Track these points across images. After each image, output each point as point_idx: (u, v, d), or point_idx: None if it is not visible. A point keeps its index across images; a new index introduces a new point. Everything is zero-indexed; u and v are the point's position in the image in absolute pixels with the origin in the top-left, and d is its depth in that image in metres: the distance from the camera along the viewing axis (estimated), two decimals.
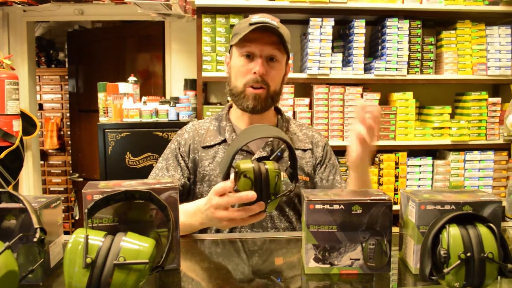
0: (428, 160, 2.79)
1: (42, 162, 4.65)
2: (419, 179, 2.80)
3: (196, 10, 2.64)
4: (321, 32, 2.65)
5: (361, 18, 2.68)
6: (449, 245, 0.75)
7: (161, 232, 0.86)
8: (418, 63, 2.74)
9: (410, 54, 2.71)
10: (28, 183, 3.58)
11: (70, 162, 4.63)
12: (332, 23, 2.65)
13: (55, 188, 4.92)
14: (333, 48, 2.74)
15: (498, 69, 2.73)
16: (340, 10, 2.64)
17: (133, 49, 3.70)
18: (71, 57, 4.25)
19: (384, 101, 2.88)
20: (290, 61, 2.64)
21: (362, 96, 2.70)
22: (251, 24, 1.26)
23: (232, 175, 0.90)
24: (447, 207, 0.85)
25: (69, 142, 4.69)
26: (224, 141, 1.39)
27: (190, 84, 2.91)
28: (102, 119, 2.66)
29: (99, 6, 3.25)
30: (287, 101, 2.69)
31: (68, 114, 4.70)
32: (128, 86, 2.71)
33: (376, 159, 2.82)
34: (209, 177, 1.36)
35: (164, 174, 1.38)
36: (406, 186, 2.78)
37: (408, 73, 2.72)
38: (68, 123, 4.68)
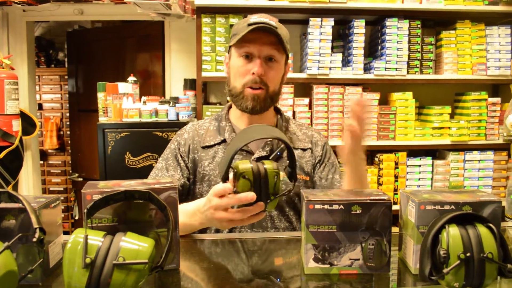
0: (428, 160, 2.79)
1: (41, 162, 4.65)
2: (419, 179, 2.80)
3: (196, 10, 2.64)
4: (320, 32, 2.65)
5: (361, 18, 2.68)
6: (448, 245, 0.75)
7: (160, 232, 0.86)
8: (418, 63, 2.74)
9: (410, 54, 2.72)
10: (28, 183, 3.58)
11: (70, 162, 4.63)
12: (332, 23, 2.65)
13: (55, 188, 4.92)
14: (332, 48, 2.74)
15: (497, 69, 2.73)
16: (339, 10, 2.64)
17: (133, 49, 3.70)
18: (70, 57, 4.25)
19: (384, 101, 2.88)
20: (290, 61, 2.65)
21: (361, 96, 2.70)
22: (249, 25, 1.26)
23: (231, 175, 0.90)
24: (446, 207, 0.85)
25: (69, 142, 4.68)
26: (224, 141, 1.39)
27: (190, 84, 2.91)
28: (102, 119, 2.66)
29: (98, 6, 3.25)
30: (287, 101, 2.69)
31: (67, 114, 4.70)
32: (128, 86, 2.71)
33: (376, 159, 2.82)
34: (208, 177, 1.36)
35: (164, 174, 1.38)
36: (406, 186, 2.78)
37: (407, 73, 2.72)
38: (68, 123, 4.68)
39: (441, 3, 2.64)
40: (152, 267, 0.74)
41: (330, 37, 2.66)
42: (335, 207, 0.88)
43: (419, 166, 2.79)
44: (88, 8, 3.36)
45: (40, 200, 0.86)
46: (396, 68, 2.69)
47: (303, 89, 2.86)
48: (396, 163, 2.76)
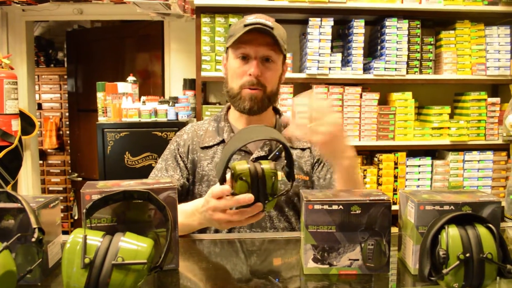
0: (427, 160, 2.80)
1: (41, 162, 4.65)
2: (418, 179, 2.80)
3: (195, 10, 2.64)
4: (320, 32, 2.65)
5: (360, 18, 2.68)
6: (448, 246, 0.75)
7: (159, 232, 0.86)
8: (417, 63, 2.74)
9: (409, 54, 2.71)
10: (27, 183, 3.57)
11: (69, 161, 4.63)
12: (331, 23, 2.65)
13: (54, 188, 4.92)
14: (332, 48, 2.74)
15: (497, 69, 2.73)
16: (339, 10, 2.64)
17: (132, 48, 3.70)
18: (70, 56, 4.24)
19: (383, 101, 2.88)
20: (289, 61, 2.68)
21: (361, 96, 2.70)
22: (245, 26, 1.26)
23: (228, 176, 0.89)
24: (446, 207, 0.85)
25: (68, 141, 4.68)
26: (223, 141, 1.39)
27: (189, 84, 2.91)
28: (101, 119, 2.65)
29: (98, 6, 3.25)
30: (286, 101, 2.69)
31: (67, 114, 4.70)
32: (127, 86, 2.71)
33: (375, 159, 2.82)
34: (207, 177, 1.36)
35: (164, 175, 1.38)
36: (405, 186, 2.78)
37: (407, 73, 2.72)
38: (67, 123, 4.67)
39: (441, 3, 2.64)
40: (151, 267, 0.74)
41: (330, 37, 2.66)
42: (335, 207, 0.87)
43: (419, 166, 2.79)
44: (88, 8, 3.36)
45: (39, 200, 0.86)
46: (395, 68, 2.69)
47: (303, 89, 2.86)
48: (396, 163, 2.76)
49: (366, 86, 2.80)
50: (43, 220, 0.84)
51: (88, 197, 0.83)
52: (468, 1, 2.64)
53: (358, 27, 2.67)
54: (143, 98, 2.62)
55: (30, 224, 0.74)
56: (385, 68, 2.68)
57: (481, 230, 0.76)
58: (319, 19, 2.64)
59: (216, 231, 1.31)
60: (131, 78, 2.79)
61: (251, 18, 1.29)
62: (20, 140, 2.51)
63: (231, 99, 1.36)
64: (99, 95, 2.71)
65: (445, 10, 2.65)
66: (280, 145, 0.91)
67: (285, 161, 0.92)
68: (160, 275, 0.89)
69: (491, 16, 2.76)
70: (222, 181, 0.89)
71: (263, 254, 1.08)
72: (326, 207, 0.88)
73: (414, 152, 2.83)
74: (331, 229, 0.88)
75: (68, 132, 4.66)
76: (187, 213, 1.12)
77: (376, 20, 2.82)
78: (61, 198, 4.54)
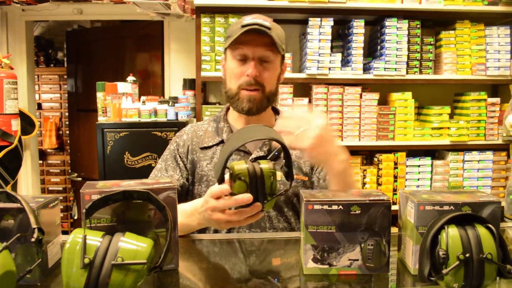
0: (427, 160, 2.79)
1: (40, 162, 4.64)
2: (418, 179, 2.80)
3: (195, 10, 2.64)
4: (320, 32, 2.65)
5: (360, 18, 2.68)
6: (448, 246, 0.75)
7: (159, 232, 0.85)
8: (417, 63, 2.74)
9: (409, 54, 2.71)
10: (27, 183, 3.57)
11: (69, 161, 4.63)
12: (331, 23, 2.65)
13: (54, 188, 4.92)
14: (332, 48, 2.74)
15: (497, 69, 2.73)
16: (339, 10, 2.64)
17: (132, 48, 3.69)
18: (70, 56, 4.24)
19: (383, 101, 2.88)
20: (289, 61, 2.68)
21: (361, 96, 2.70)
22: (243, 26, 1.27)
23: (227, 176, 0.89)
24: (446, 207, 0.85)
25: (68, 141, 4.68)
26: (222, 142, 1.39)
27: (189, 84, 2.91)
28: (101, 119, 2.65)
29: (98, 6, 3.25)
30: (286, 101, 2.69)
31: (67, 114, 4.69)
32: (127, 86, 2.71)
33: (375, 159, 2.82)
34: (207, 177, 1.36)
35: (163, 175, 1.38)
36: (405, 186, 2.78)
37: (407, 73, 2.72)
38: (67, 123, 4.67)
39: (441, 3, 2.64)
40: (151, 267, 0.74)
41: (330, 37, 2.66)
42: (334, 207, 0.87)
43: (419, 166, 2.79)
44: (88, 8, 3.36)
45: (38, 200, 0.86)
46: (395, 68, 2.69)
47: (303, 89, 2.86)
48: (396, 163, 2.76)
49: (366, 86, 2.80)
50: (42, 220, 0.84)
51: (87, 197, 0.83)
52: (468, 1, 2.64)
53: (358, 27, 2.67)
54: (143, 98, 2.62)
55: (29, 224, 0.73)
56: (385, 68, 2.68)
57: (481, 230, 0.76)
58: (319, 19, 2.64)
59: (216, 231, 1.31)
60: (131, 78, 2.79)
61: (248, 19, 1.29)
62: (20, 140, 2.51)
63: (230, 100, 1.37)
64: (99, 95, 2.71)
65: (445, 10, 2.65)
66: (279, 145, 0.90)
67: (284, 161, 0.92)
68: (159, 275, 0.89)
69: (491, 16, 2.76)
70: (221, 181, 0.89)
71: (263, 254, 1.08)
72: (326, 207, 0.87)
73: (414, 152, 2.83)
74: (331, 229, 0.88)
75: (68, 132, 4.66)
76: (187, 213, 1.12)
77: (376, 20, 2.82)
78: (61, 198, 4.55)
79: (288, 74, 2.68)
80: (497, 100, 2.79)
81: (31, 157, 3.60)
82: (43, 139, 4.82)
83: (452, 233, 0.76)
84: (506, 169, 2.82)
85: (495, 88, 3.03)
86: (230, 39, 1.30)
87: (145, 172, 2.43)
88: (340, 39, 2.89)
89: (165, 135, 2.49)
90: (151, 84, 3.50)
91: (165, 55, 3.33)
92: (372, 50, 2.90)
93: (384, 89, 2.86)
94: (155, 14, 2.97)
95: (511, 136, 2.32)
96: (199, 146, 1.41)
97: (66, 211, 4.78)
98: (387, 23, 2.68)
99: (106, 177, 2.49)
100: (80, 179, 4.02)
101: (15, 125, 2.48)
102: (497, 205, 0.86)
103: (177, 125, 2.51)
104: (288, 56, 2.69)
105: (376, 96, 2.72)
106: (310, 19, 2.65)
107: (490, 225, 0.76)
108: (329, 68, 2.67)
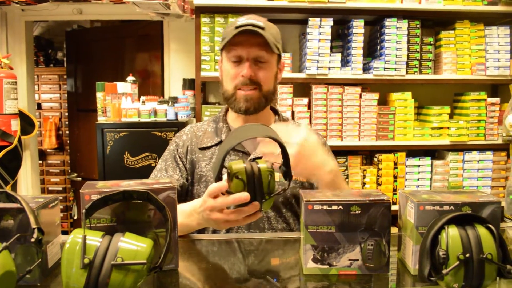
0: (427, 160, 2.79)
1: (40, 162, 4.64)
2: (418, 179, 2.80)
3: (195, 10, 2.64)
4: (320, 32, 2.65)
5: (360, 18, 2.68)
6: (448, 246, 0.75)
7: (159, 233, 0.85)
8: (417, 63, 2.74)
9: (409, 54, 2.71)
10: (27, 183, 3.57)
11: (69, 161, 4.63)
12: (331, 23, 2.64)
13: (54, 188, 4.92)
14: (332, 48, 2.74)
15: (497, 69, 2.73)
16: (339, 10, 2.64)
17: (132, 48, 3.69)
18: (69, 56, 4.24)
19: (383, 101, 2.88)
20: (289, 61, 2.68)
21: (361, 96, 2.70)
22: (236, 28, 1.27)
23: (225, 176, 0.89)
24: (446, 207, 0.85)
25: (68, 141, 4.68)
26: (221, 142, 1.40)
27: (189, 84, 2.91)
28: (101, 119, 2.65)
29: (97, 6, 3.25)
30: (286, 101, 2.69)
31: (66, 114, 4.70)
32: (127, 86, 2.71)
33: (375, 159, 2.82)
34: (205, 178, 1.37)
35: (163, 175, 1.39)
36: (405, 186, 2.78)
37: (407, 73, 2.72)
38: (67, 123, 4.67)
39: (440, 3, 2.64)
40: (151, 267, 0.74)
41: (329, 37, 2.66)
42: (334, 207, 0.87)
43: (418, 166, 2.79)
44: (87, 8, 3.36)
45: (38, 200, 0.86)
46: (395, 68, 2.69)
47: (302, 89, 2.86)
48: (395, 163, 2.76)
49: (366, 86, 2.80)
50: (42, 220, 0.84)
51: (87, 197, 0.83)
52: (468, 1, 2.64)
53: (358, 27, 2.67)
54: (142, 98, 2.62)
55: (29, 224, 0.73)
56: (384, 68, 2.68)
57: (481, 230, 0.76)
58: (319, 19, 2.64)
59: (214, 231, 1.31)
60: (130, 78, 2.79)
61: (242, 20, 1.30)
62: (19, 140, 2.51)
63: (227, 101, 1.37)
64: (99, 95, 2.71)
65: (445, 10, 2.65)
66: None
67: (282, 160, 0.92)
68: (159, 275, 0.89)
69: (491, 16, 2.76)
70: (218, 179, 0.89)
71: (263, 255, 1.08)
72: (325, 207, 0.87)
73: (413, 152, 2.83)
74: (331, 229, 0.88)
75: (67, 132, 4.66)
76: (186, 214, 1.13)
77: (375, 20, 2.82)
78: (61, 198, 4.55)
79: (288, 74, 2.68)
80: (497, 100, 2.79)
81: (31, 157, 3.60)
82: (43, 139, 4.82)
83: (452, 233, 0.76)
84: (506, 169, 2.82)
85: (495, 88, 3.03)
86: (224, 41, 1.31)
87: (145, 172, 2.44)
88: (340, 39, 2.89)
89: (164, 135, 2.49)
90: (150, 84, 3.50)
91: (165, 55, 3.33)
92: (372, 50, 2.90)
93: (383, 89, 2.86)
94: (155, 14, 2.96)
95: (511, 136, 2.32)
96: (198, 146, 1.41)
97: (66, 211, 4.78)
98: (386, 23, 2.68)
99: (106, 177, 2.49)
100: (80, 179, 4.02)
101: (15, 125, 2.48)
102: (497, 205, 0.86)
103: (176, 125, 2.51)
104: (287, 56, 2.69)
105: (375, 96, 2.72)
106: (310, 19, 2.65)
107: (490, 225, 0.76)
108: (329, 68, 2.67)
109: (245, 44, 1.29)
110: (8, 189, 1.99)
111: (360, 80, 2.73)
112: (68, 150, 4.66)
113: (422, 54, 2.75)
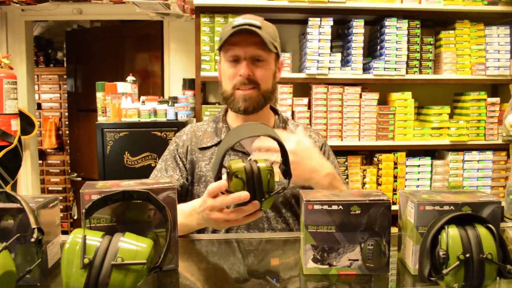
0: (427, 160, 2.79)
1: (40, 162, 4.64)
2: (418, 179, 2.80)
3: (195, 10, 2.64)
4: (319, 32, 2.65)
5: (360, 18, 2.68)
6: (448, 246, 0.75)
7: (159, 233, 0.85)
8: (417, 63, 2.74)
9: (409, 54, 2.71)
10: (27, 183, 3.57)
11: (69, 161, 4.63)
12: (331, 23, 2.64)
13: (54, 188, 4.92)
14: (332, 48, 2.73)
15: (497, 69, 2.73)
16: (338, 10, 2.64)
17: (132, 48, 3.69)
18: (69, 56, 4.24)
19: (383, 101, 2.88)
20: (289, 61, 2.68)
21: (361, 96, 2.70)
22: (233, 28, 1.27)
23: (224, 176, 0.89)
24: (446, 207, 0.85)
25: (68, 141, 4.68)
26: (220, 142, 1.39)
27: (189, 84, 2.91)
28: (101, 119, 2.65)
29: (97, 6, 3.25)
30: (286, 101, 2.69)
31: (66, 114, 4.69)
32: (127, 86, 2.70)
33: (375, 159, 2.82)
34: (205, 178, 1.36)
35: (163, 175, 1.39)
36: (405, 186, 2.78)
37: (407, 73, 2.72)
38: (67, 123, 4.67)
39: (440, 3, 2.63)
40: (151, 267, 0.74)
41: (329, 37, 2.66)
42: (334, 207, 0.87)
43: (418, 166, 2.79)
44: (87, 8, 3.36)
45: (38, 200, 0.86)
46: (395, 68, 2.69)
47: (302, 89, 2.86)
48: (395, 163, 2.76)
49: (366, 86, 2.80)
50: (42, 220, 0.84)
51: (87, 197, 0.83)
52: (468, 1, 2.64)
53: (358, 27, 2.67)
54: (142, 98, 2.62)
55: (29, 224, 0.73)
56: (384, 68, 2.68)
57: (481, 230, 0.76)
58: (319, 19, 2.64)
59: (214, 231, 1.31)
60: (130, 78, 2.79)
61: (239, 19, 1.30)
62: (19, 140, 2.51)
63: (226, 101, 1.37)
64: (99, 95, 2.71)
65: (445, 10, 2.65)
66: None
67: (281, 158, 0.92)
68: (159, 275, 0.89)
69: (491, 16, 2.76)
70: (217, 179, 0.89)
71: (263, 255, 1.08)
72: (325, 207, 0.87)
73: (413, 152, 2.83)
74: (331, 229, 0.88)
75: (67, 132, 4.66)
76: (185, 214, 1.13)
77: (375, 20, 2.82)
78: (61, 198, 4.55)
79: (288, 74, 2.68)
80: (497, 100, 2.79)
81: (31, 157, 3.60)
82: (42, 139, 4.82)
83: (452, 233, 0.76)
84: (506, 169, 2.82)
85: (495, 88, 3.03)
86: (221, 41, 1.31)
87: (144, 172, 2.43)
88: (340, 39, 2.89)
89: (164, 135, 2.49)
90: (150, 84, 3.50)
91: (165, 55, 3.33)
92: (372, 50, 2.90)
93: (383, 89, 2.86)
94: (155, 14, 2.96)
95: (511, 136, 2.32)
96: (198, 146, 1.41)
97: (66, 211, 4.78)
98: (386, 23, 2.68)
99: (106, 177, 2.49)
100: (80, 179, 4.02)
101: (15, 125, 2.48)
102: (497, 205, 0.85)
103: (176, 125, 2.51)
104: (287, 56, 2.69)
105: (375, 96, 2.72)
106: (310, 19, 2.65)
107: (490, 225, 0.76)
108: (329, 68, 2.66)
109: (242, 44, 1.29)
110: (8, 189, 1.99)
111: (360, 80, 2.73)
112: (68, 150, 4.66)
113: (422, 54, 2.75)
